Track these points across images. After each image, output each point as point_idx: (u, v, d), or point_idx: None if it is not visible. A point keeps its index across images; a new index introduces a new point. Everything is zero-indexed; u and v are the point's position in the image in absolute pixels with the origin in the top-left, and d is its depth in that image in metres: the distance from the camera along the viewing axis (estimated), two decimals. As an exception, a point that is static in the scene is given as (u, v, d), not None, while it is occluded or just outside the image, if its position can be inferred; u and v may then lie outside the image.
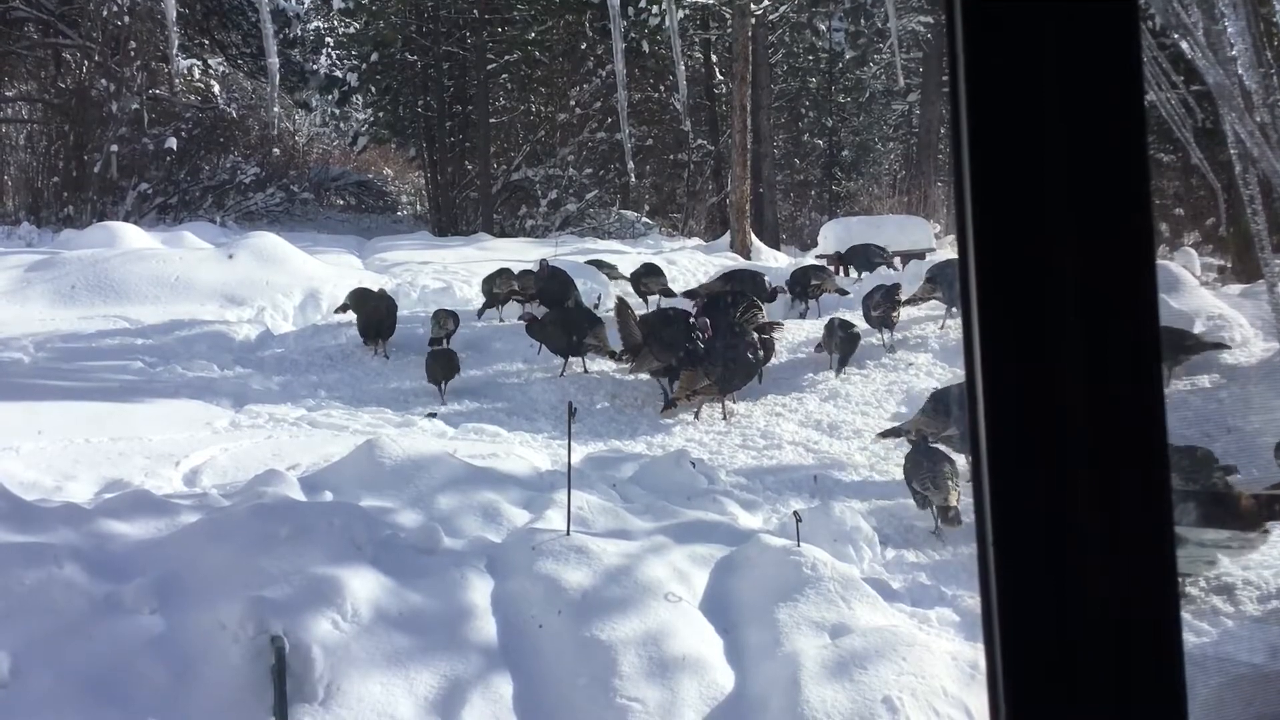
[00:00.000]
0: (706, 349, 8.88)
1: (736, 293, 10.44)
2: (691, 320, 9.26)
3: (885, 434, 7.90)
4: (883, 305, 10.07)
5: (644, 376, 9.53)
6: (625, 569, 5.04)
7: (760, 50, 21.55)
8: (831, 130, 28.43)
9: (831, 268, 13.41)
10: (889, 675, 4.42)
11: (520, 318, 10.50)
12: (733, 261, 14.78)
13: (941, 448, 7.00)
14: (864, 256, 13.34)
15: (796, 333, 10.62)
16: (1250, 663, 4.68)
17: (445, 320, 10.55)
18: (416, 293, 12.76)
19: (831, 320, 9.63)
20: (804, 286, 11.79)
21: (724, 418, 8.65)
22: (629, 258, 14.51)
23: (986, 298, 1.09)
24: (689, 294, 11.09)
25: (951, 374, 9.12)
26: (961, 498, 6.50)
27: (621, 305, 9.91)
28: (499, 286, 11.57)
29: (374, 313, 10.60)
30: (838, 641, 4.65)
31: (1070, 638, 1.08)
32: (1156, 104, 7.44)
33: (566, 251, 15.28)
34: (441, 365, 9.22)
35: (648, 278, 11.86)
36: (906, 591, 5.63)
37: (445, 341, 10.41)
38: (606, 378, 9.65)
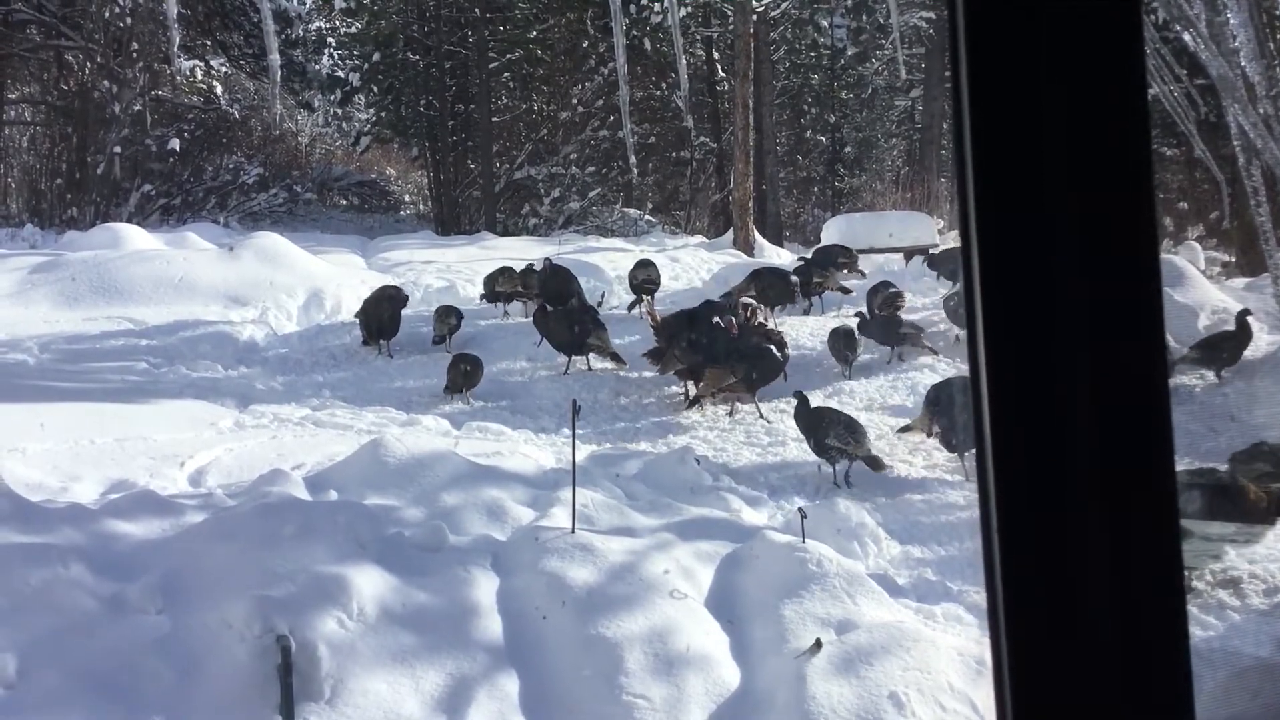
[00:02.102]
0: (731, 347, 8.86)
1: (727, 298, 10.47)
2: (716, 320, 9.27)
3: (902, 430, 7.88)
4: (889, 304, 10.16)
5: (647, 374, 9.53)
6: (630, 566, 5.04)
7: (762, 47, 21.52)
8: (834, 126, 28.38)
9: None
10: (895, 671, 4.42)
11: (533, 307, 10.58)
12: (735, 258, 14.75)
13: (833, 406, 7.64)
14: (827, 259, 13.20)
15: (800, 329, 10.62)
16: (1256, 655, 4.67)
17: (447, 316, 10.56)
18: (420, 292, 12.76)
19: (836, 329, 9.61)
20: (806, 283, 11.77)
21: (730, 414, 8.65)
22: (632, 256, 14.49)
23: (990, 292, 1.09)
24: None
25: (955, 369, 9.11)
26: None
27: (651, 309, 9.91)
28: (502, 285, 11.57)
29: (376, 312, 10.61)
30: (843, 637, 4.65)
31: (1076, 632, 1.08)
32: (1160, 97, 7.43)
33: (570, 250, 15.27)
34: (462, 373, 9.00)
35: (638, 270, 11.83)
36: (912, 587, 5.63)
37: (448, 338, 10.43)
38: (610, 375, 9.66)
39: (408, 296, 11.29)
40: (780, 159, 25.54)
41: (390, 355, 10.40)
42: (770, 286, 11.12)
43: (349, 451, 6.89)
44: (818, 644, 4.55)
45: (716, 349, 8.88)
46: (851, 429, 7.22)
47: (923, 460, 7.60)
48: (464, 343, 10.48)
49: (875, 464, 7.20)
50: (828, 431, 7.21)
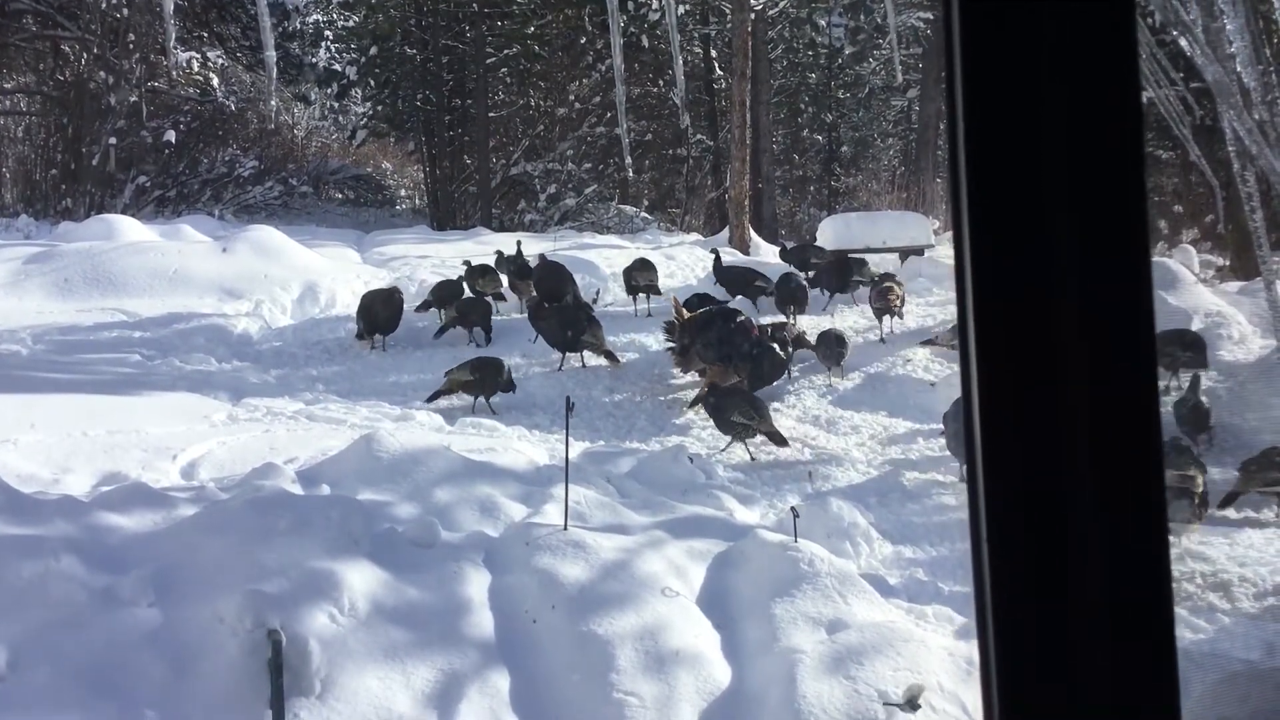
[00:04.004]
0: (733, 346, 8.83)
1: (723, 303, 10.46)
2: (737, 321, 9.27)
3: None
4: (880, 297, 10.25)
5: (641, 372, 9.53)
6: (622, 564, 5.05)
7: (760, 45, 21.49)
8: (830, 126, 28.39)
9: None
10: (886, 671, 4.43)
11: (525, 304, 10.56)
12: (730, 257, 14.75)
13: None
14: (802, 259, 12.95)
15: (792, 329, 10.62)
16: (1246, 659, 4.69)
17: (450, 308, 10.52)
18: (415, 286, 12.74)
19: (826, 332, 9.58)
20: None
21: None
22: (627, 253, 14.50)
23: (982, 294, 1.09)
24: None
25: (949, 369, 9.13)
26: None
27: (677, 305, 9.90)
28: (483, 286, 11.47)
29: (375, 308, 10.54)
30: (834, 637, 4.65)
31: (1064, 635, 1.08)
32: (1155, 101, 7.44)
33: (565, 246, 15.26)
34: (489, 377, 8.71)
35: (638, 272, 11.76)
36: (903, 587, 5.64)
37: (484, 334, 10.34)
38: (605, 373, 9.66)
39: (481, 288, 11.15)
40: (776, 158, 25.54)
41: (384, 349, 10.38)
42: (784, 289, 11.09)
43: (342, 446, 6.89)
44: (913, 705, 4.01)
45: (738, 349, 8.84)
46: (754, 404, 7.61)
47: (915, 459, 7.61)
48: (455, 338, 10.48)
49: (777, 439, 7.57)
50: (732, 408, 7.58)
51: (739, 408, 7.60)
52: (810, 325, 10.54)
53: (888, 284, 10.49)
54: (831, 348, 9.27)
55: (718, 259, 12.33)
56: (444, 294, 11.01)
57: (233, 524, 5.06)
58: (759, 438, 7.72)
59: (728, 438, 7.77)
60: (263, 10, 12.29)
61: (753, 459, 7.70)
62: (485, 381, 8.68)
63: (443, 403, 8.89)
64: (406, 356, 10.21)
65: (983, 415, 1.09)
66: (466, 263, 12.00)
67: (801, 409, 8.73)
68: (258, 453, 7.14)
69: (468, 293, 11.25)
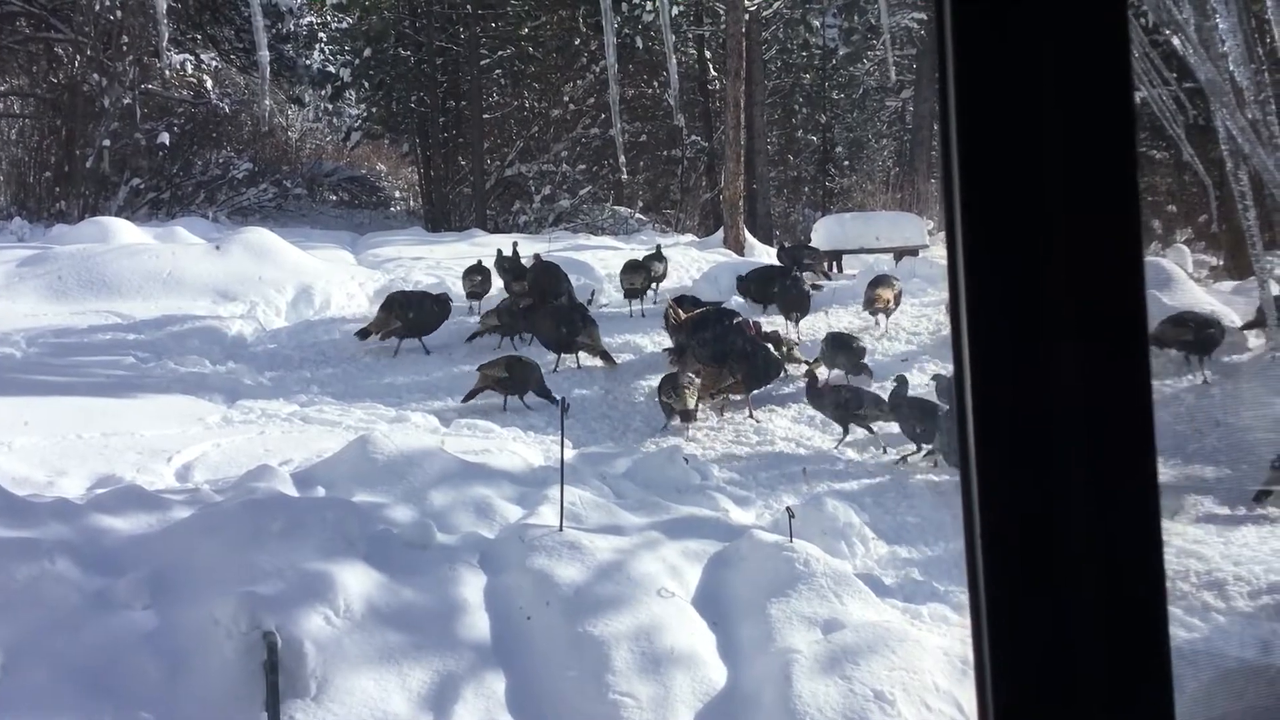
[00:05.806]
0: (728, 346, 8.81)
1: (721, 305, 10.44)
2: (735, 321, 9.23)
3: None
4: (870, 304, 10.24)
5: (637, 372, 9.52)
6: (618, 564, 5.05)
7: (754, 46, 21.48)
8: (825, 126, 28.37)
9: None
10: (881, 670, 4.44)
11: (520, 304, 10.50)
12: (725, 257, 14.74)
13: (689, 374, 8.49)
14: (794, 259, 12.96)
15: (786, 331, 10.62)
16: (1240, 657, 4.70)
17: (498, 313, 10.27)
18: (409, 288, 12.73)
19: (829, 335, 9.48)
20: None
21: (719, 413, 8.66)
22: (622, 254, 14.49)
23: (975, 295, 1.10)
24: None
25: (943, 368, 9.13)
26: (698, 403, 8.23)
27: (670, 307, 9.84)
28: (472, 287, 11.40)
29: (421, 308, 10.41)
30: (830, 637, 4.66)
31: (1058, 635, 1.08)
32: (1148, 101, 7.45)
33: (560, 247, 15.25)
34: (522, 375, 8.68)
35: (622, 275, 11.71)
36: (899, 587, 5.64)
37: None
38: (600, 374, 9.65)
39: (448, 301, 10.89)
40: (771, 158, 25.53)
41: (396, 352, 10.29)
42: (785, 295, 11.08)
43: (337, 448, 6.88)
44: None
45: (734, 348, 8.82)
46: (675, 386, 8.16)
47: (909, 459, 7.62)
48: (449, 338, 10.46)
49: (685, 416, 8.12)
50: (661, 390, 8.26)
51: (663, 389, 8.24)
52: (806, 327, 10.55)
53: (882, 285, 10.48)
54: (846, 355, 9.02)
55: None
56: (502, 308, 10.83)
57: (228, 526, 5.06)
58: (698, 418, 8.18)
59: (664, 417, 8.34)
60: (256, 12, 12.30)
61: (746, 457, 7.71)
62: (517, 380, 8.67)
63: (436, 404, 8.87)
64: (401, 358, 10.20)
65: (976, 414, 1.10)
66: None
67: (796, 409, 8.72)
68: (252, 455, 7.13)
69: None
